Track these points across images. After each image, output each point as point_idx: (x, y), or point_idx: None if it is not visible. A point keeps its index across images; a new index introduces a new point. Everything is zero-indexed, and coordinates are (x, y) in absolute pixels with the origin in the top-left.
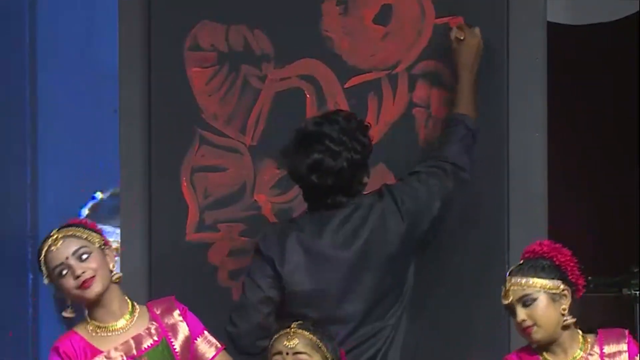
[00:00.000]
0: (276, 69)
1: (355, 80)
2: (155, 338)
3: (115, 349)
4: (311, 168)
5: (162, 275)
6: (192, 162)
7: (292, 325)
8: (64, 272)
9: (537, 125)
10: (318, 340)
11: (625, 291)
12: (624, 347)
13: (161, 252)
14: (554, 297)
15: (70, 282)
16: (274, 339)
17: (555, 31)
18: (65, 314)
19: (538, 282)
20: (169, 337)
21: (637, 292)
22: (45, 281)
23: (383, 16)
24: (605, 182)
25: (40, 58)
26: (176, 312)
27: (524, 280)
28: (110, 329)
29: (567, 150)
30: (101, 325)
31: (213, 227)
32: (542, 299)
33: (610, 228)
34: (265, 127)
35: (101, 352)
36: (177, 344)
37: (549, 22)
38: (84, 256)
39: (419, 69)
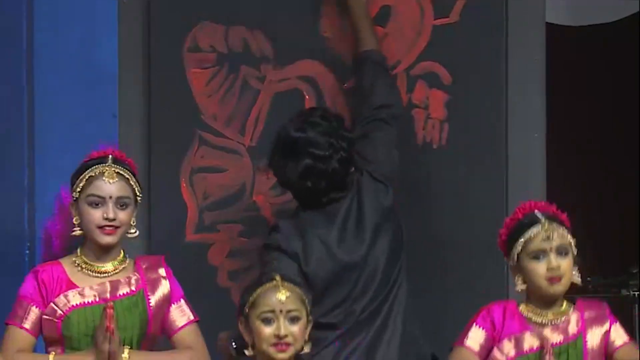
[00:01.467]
0: (275, 70)
1: (354, 81)
2: (133, 288)
3: (90, 287)
4: (303, 174)
5: None
6: (191, 162)
7: (276, 278)
8: (99, 204)
9: (536, 125)
10: (302, 293)
11: (624, 292)
12: (605, 317)
13: (161, 253)
14: (574, 257)
15: (96, 215)
16: (256, 294)
17: (554, 32)
18: (75, 233)
19: (571, 239)
20: (147, 290)
21: (636, 293)
22: (73, 194)
23: (382, 17)
24: (605, 183)
25: (37, 60)
26: (161, 269)
27: (565, 232)
28: (95, 269)
29: (566, 150)
30: (88, 262)
31: (212, 228)
32: (570, 255)
33: (609, 229)
34: (265, 128)
35: (77, 287)
36: (154, 299)
37: (548, 23)
38: (123, 206)
39: (418, 70)
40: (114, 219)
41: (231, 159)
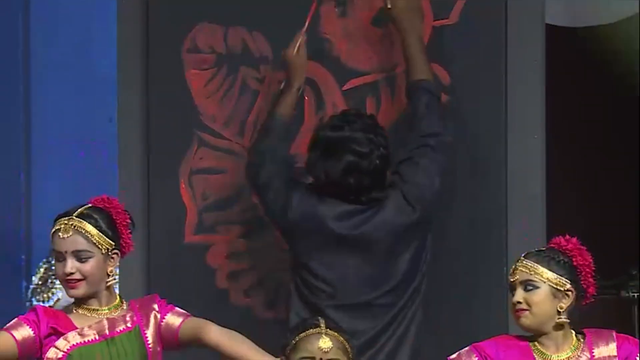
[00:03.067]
0: (274, 71)
1: (353, 83)
2: (129, 325)
3: (89, 327)
4: (346, 171)
5: (160, 276)
6: (190, 164)
7: (321, 325)
8: (60, 259)
9: (535, 127)
10: (346, 342)
11: (623, 293)
12: (613, 351)
13: (160, 254)
14: (555, 293)
15: (60, 270)
16: (299, 337)
17: (553, 33)
18: None
19: (545, 273)
20: (142, 326)
21: (636, 294)
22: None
23: (382, 18)
24: (605, 184)
25: (34, 62)
26: (155, 305)
27: (533, 266)
28: (91, 310)
29: (566, 152)
30: (84, 306)
31: (211, 229)
32: (543, 290)
33: (609, 230)
34: None
35: (76, 327)
36: (150, 334)
37: (547, 25)
38: (83, 259)
39: None
40: (71, 273)
41: (230, 160)
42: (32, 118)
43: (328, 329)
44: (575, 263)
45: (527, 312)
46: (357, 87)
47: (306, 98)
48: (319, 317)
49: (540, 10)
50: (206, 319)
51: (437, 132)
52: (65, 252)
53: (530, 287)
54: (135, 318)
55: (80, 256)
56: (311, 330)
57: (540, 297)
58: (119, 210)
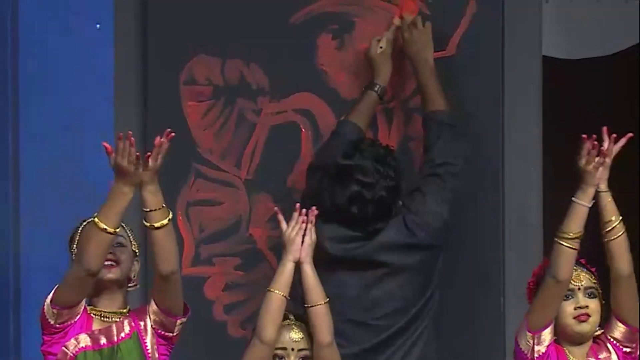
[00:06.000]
0: (272, 102)
1: None
2: (128, 331)
3: (99, 330)
4: (351, 200)
5: None
6: (187, 196)
7: (290, 317)
8: None
9: (533, 158)
10: (308, 334)
11: None
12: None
13: None
14: (602, 306)
15: None
16: None
17: (551, 65)
18: None
19: (597, 283)
20: (140, 332)
21: None
22: (73, 252)
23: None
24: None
25: (23, 101)
26: (146, 309)
27: (592, 275)
28: (103, 315)
29: (563, 183)
30: (97, 309)
31: (208, 261)
32: (598, 299)
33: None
34: (261, 161)
35: (91, 328)
36: (148, 340)
37: (544, 56)
38: (119, 245)
39: (415, 103)
40: (111, 254)
41: (227, 192)
42: (20, 140)
43: (297, 321)
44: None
45: (590, 318)
46: None
47: (303, 130)
48: (287, 311)
49: (537, 42)
50: (204, 351)
51: (447, 162)
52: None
53: (593, 295)
54: (133, 324)
55: (118, 240)
56: (281, 322)
57: (598, 305)
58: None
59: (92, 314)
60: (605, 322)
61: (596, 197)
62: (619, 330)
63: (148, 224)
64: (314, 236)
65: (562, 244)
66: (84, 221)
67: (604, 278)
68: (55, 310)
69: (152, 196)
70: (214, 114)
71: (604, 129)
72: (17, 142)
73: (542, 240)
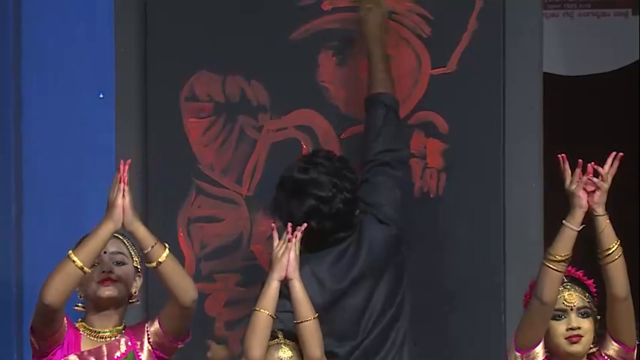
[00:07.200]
0: (272, 119)
1: (351, 131)
2: (124, 350)
3: (89, 351)
4: (308, 215)
5: None
6: (188, 212)
7: (279, 335)
8: (96, 264)
9: (533, 175)
10: (299, 352)
11: None
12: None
13: (158, 303)
14: (596, 324)
15: (94, 273)
16: None
17: (551, 81)
18: (76, 309)
19: (591, 302)
20: (137, 350)
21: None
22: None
23: None
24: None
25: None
26: (144, 327)
27: (585, 293)
28: (94, 334)
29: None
30: (90, 328)
31: (209, 278)
32: (592, 318)
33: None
34: (262, 177)
35: (80, 350)
36: (144, 356)
37: (545, 73)
38: (119, 262)
39: (415, 120)
40: (110, 272)
41: (228, 208)
42: (24, 169)
43: (286, 340)
44: (593, 291)
45: (582, 338)
46: (355, 135)
47: (304, 146)
48: (276, 329)
49: (538, 58)
50: None
51: (392, 148)
52: (104, 252)
53: (586, 315)
54: (130, 343)
55: (117, 259)
56: (270, 341)
57: (592, 325)
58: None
59: (82, 332)
60: (599, 337)
61: (594, 221)
62: (613, 349)
63: (151, 265)
64: (297, 251)
65: (548, 266)
66: (85, 237)
67: (602, 285)
68: (34, 339)
69: (141, 236)
70: (215, 130)
71: (611, 155)
72: (19, 158)
73: (542, 256)
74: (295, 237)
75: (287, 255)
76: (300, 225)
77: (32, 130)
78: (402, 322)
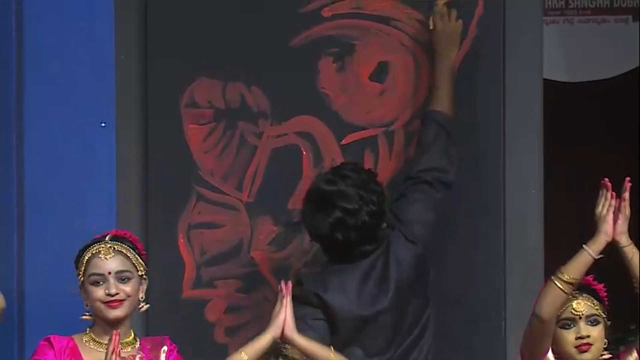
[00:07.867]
0: (273, 125)
1: (351, 137)
2: None
3: None
4: (334, 227)
5: (159, 331)
6: (188, 218)
7: (284, 349)
8: (100, 283)
9: (533, 181)
10: None
11: (621, 349)
12: None
13: (158, 309)
14: (606, 329)
15: (99, 293)
16: None
17: (551, 88)
18: (83, 318)
19: (601, 309)
20: None
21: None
22: (79, 278)
23: (379, 73)
24: None
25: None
26: (164, 348)
27: (594, 301)
28: (103, 346)
29: (564, 206)
30: (96, 339)
31: (210, 284)
32: (602, 325)
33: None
34: (262, 183)
35: None
36: None
37: (545, 79)
38: (124, 280)
39: (416, 126)
40: (116, 294)
41: (229, 214)
42: (25, 176)
43: (294, 356)
44: (603, 296)
45: (592, 346)
46: (355, 141)
47: (304, 152)
48: (282, 344)
49: (538, 65)
50: None
51: (436, 168)
52: (109, 273)
53: (595, 322)
54: (145, 359)
55: (122, 277)
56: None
57: (602, 332)
58: (137, 241)
59: (86, 343)
60: (617, 342)
61: (620, 252)
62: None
63: None
64: (290, 312)
65: (555, 283)
66: (87, 246)
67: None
68: None
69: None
70: (215, 136)
71: (627, 179)
72: (20, 159)
73: (542, 263)
74: (287, 292)
75: (283, 313)
76: (326, 237)
77: (32, 131)
78: (426, 339)
